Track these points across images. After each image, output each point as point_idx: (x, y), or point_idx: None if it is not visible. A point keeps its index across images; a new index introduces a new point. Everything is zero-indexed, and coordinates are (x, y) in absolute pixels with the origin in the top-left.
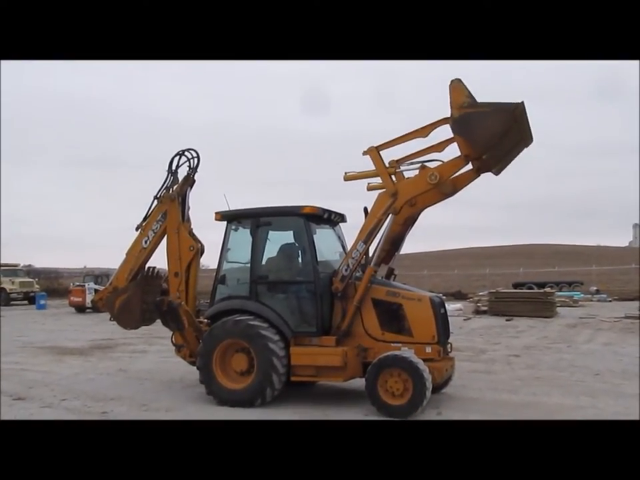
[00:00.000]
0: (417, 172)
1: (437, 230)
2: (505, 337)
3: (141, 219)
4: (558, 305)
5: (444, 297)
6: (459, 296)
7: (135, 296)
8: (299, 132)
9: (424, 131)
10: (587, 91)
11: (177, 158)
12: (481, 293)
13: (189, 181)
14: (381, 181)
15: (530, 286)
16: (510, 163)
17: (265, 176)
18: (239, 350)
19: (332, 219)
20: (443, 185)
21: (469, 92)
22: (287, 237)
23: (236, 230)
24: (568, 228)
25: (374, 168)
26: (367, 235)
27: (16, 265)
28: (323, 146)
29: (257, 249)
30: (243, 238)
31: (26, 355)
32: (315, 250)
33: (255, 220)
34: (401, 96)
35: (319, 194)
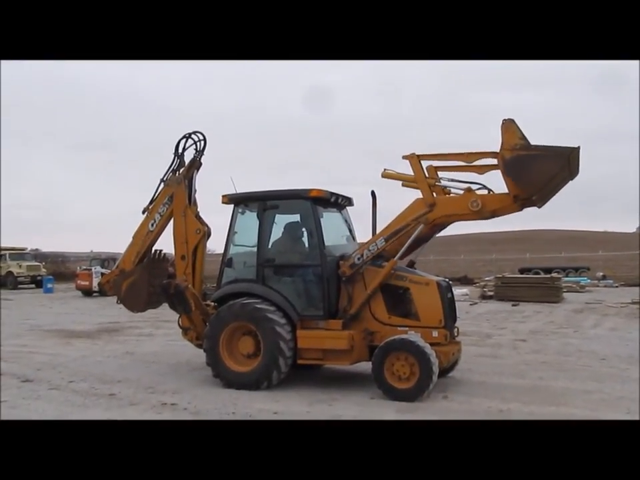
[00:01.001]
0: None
1: None
2: (511, 321)
3: (148, 202)
4: (564, 290)
5: (450, 282)
6: (465, 281)
7: (141, 279)
8: (305, 117)
9: (469, 158)
10: (595, 74)
11: (183, 141)
12: (487, 278)
13: (196, 163)
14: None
15: (536, 271)
16: (554, 195)
17: (271, 160)
18: (245, 333)
19: (339, 202)
20: (483, 212)
21: (522, 133)
22: (294, 220)
23: (243, 213)
24: (575, 213)
25: (412, 173)
26: (390, 234)
27: (23, 249)
28: (328, 131)
29: (264, 232)
30: (249, 221)
31: (34, 337)
32: (322, 233)
33: (262, 203)
34: (402, 84)
35: (325, 178)
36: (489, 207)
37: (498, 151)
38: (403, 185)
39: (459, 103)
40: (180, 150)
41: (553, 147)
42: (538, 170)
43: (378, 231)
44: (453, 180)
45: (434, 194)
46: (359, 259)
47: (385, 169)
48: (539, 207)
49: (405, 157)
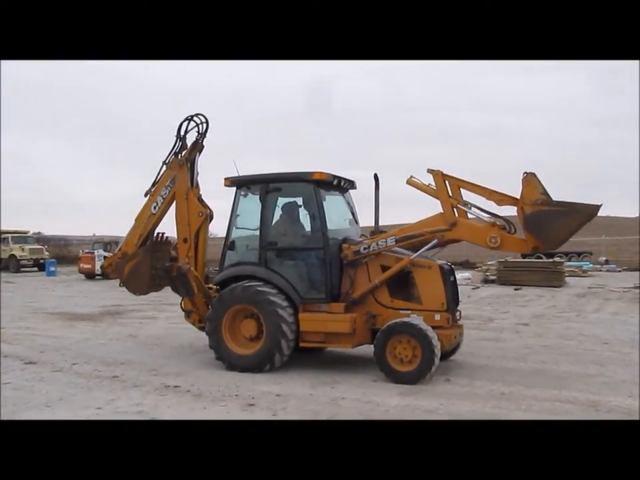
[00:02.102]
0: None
1: None
2: (513, 305)
3: (150, 185)
4: (567, 274)
5: (453, 266)
6: (467, 265)
7: (144, 261)
8: (307, 101)
9: (491, 196)
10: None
11: (185, 123)
12: (489, 262)
13: (198, 146)
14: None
15: (539, 255)
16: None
17: (274, 144)
18: (248, 316)
19: (342, 185)
20: (497, 248)
21: (543, 188)
22: (292, 201)
23: (245, 196)
24: (577, 198)
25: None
26: (402, 237)
27: (26, 232)
28: (330, 117)
29: (267, 215)
30: (252, 204)
31: (37, 320)
32: (325, 217)
33: (265, 186)
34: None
35: (329, 162)
36: (505, 247)
37: (518, 198)
38: (423, 192)
39: (461, 86)
40: (182, 132)
41: (574, 203)
42: (559, 227)
43: (381, 222)
44: (477, 207)
45: (455, 213)
46: (365, 248)
47: (411, 176)
48: (554, 249)
49: (429, 171)
